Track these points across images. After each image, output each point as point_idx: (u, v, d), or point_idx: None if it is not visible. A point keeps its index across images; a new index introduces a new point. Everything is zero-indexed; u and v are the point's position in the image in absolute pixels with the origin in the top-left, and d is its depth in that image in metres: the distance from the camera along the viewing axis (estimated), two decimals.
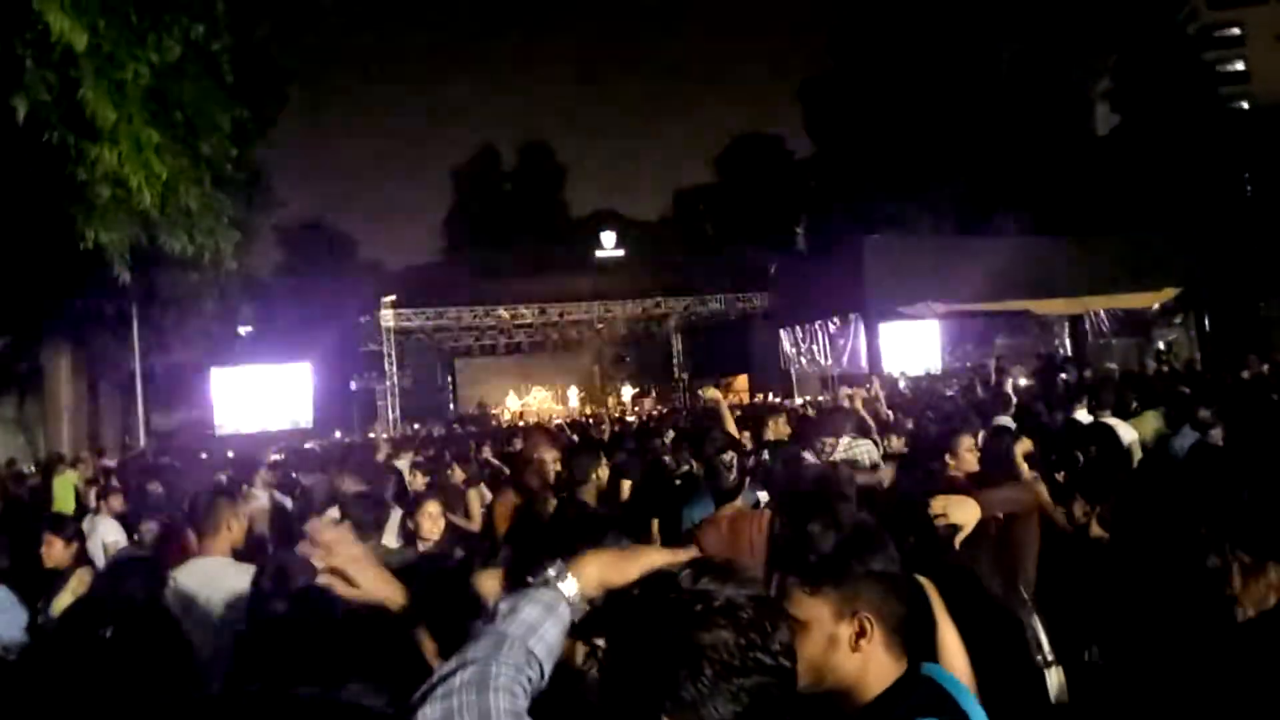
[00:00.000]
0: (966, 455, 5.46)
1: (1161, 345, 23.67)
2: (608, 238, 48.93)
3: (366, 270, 39.99)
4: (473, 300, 32.08)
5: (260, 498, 8.11)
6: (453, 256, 47.64)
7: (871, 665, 1.93)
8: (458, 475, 9.15)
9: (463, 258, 43.50)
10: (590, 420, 23.15)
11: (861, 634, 1.92)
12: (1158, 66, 30.98)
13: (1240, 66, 50.99)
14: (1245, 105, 43.10)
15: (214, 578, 4.44)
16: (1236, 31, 52.00)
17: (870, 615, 1.92)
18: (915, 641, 2.04)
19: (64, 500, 9.67)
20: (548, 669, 1.52)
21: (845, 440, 7.10)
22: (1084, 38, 31.53)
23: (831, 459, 6.57)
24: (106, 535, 7.99)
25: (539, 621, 1.52)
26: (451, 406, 34.14)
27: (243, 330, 27.47)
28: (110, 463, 14.56)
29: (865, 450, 7.02)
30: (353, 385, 33.55)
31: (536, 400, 33.86)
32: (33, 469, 15.65)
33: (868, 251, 21.90)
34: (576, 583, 1.60)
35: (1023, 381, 20.54)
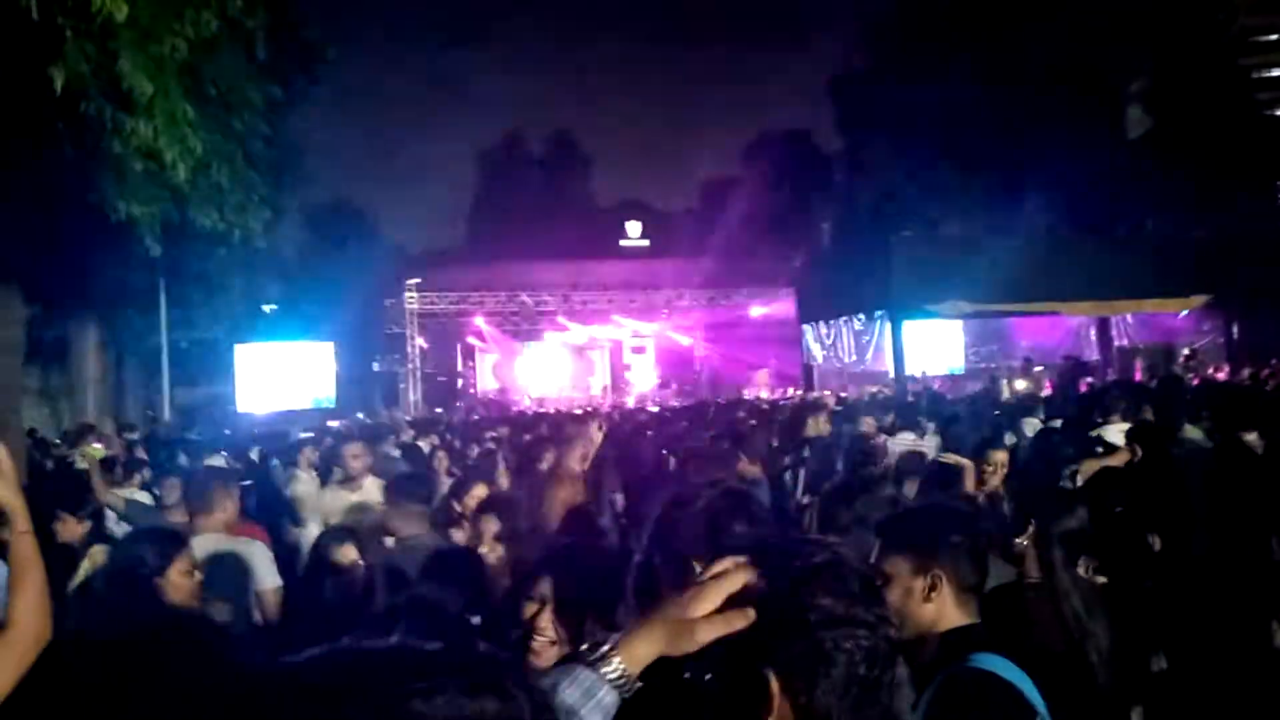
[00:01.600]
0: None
1: (1186, 351, 23.45)
2: (633, 227, 48.93)
3: (392, 253, 40.08)
4: (497, 286, 32.17)
5: (303, 479, 8.11)
6: (478, 241, 47.74)
7: (943, 617, 2.41)
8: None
9: (488, 243, 43.57)
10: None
11: (933, 588, 2.41)
12: (1193, 70, 30.66)
13: (1277, 73, 50.33)
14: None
15: (212, 552, 4.54)
16: (1275, 37, 51.29)
17: (941, 573, 2.42)
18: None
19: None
20: None
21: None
22: (1119, 39, 31.22)
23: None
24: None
25: (577, 706, 1.46)
26: (472, 391, 34.17)
27: (267, 308, 27.57)
28: (134, 436, 14.67)
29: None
30: (375, 366, 33.68)
31: (557, 387, 33.93)
32: (59, 441, 15.75)
33: (894, 248, 21.80)
34: (623, 664, 1.51)
35: (1020, 385, 20.45)
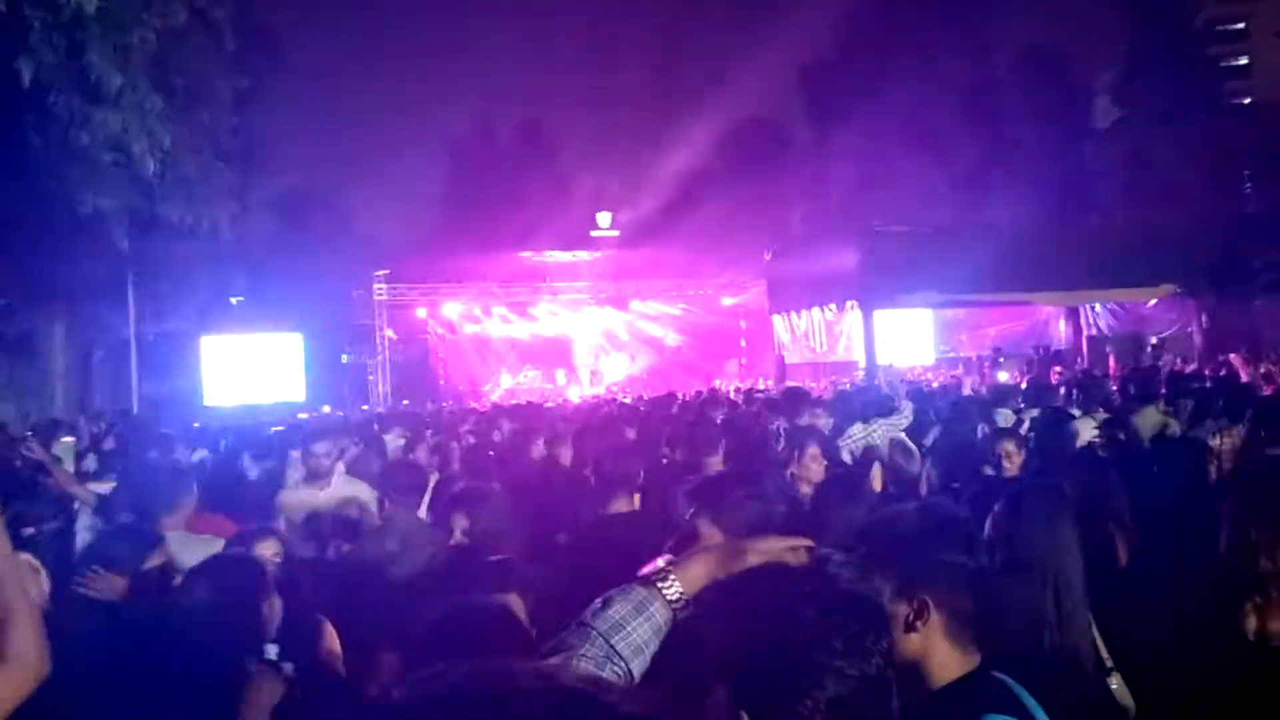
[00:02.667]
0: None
1: (1154, 340, 23.67)
2: (603, 217, 48.79)
3: (360, 243, 39.78)
4: (466, 277, 32.02)
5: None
6: (447, 232, 47.46)
7: (934, 652, 1.99)
8: None
9: (457, 234, 43.34)
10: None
11: (919, 615, 1.98)
12: (1160, 60, 30.94)
13: (1244, 61, 50.80)
14: (1247, 101, 43.11)
15: (181, 548, 4.49)
16: (1241, 26, 51.76)
17: (929, 599, 1.99)
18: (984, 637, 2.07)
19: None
20: (635, 667, 1.50)
21: (856, 427, 7.10)
22: (1088, 29, 31.49)
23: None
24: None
25: (626, 619, 1.51)
26: (442, 383, 33.98)
27: (234, 300, 27.30)
28: (100, 428, 14.48)
29: (882, 431, 7.01)
30: (344, 359, 33.42)
31: (527, 379, 33.80)
32: (29, 434, 15.52)
33: (865, 239, 21.88)
34: (679, 583, 1.59)
35: (1002, 376, 20.55)
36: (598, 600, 1.55)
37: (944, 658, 1.99)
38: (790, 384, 19.11)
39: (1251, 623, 2.28)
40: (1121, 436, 6.28)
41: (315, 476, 6.52)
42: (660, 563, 1.63)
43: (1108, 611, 2.81)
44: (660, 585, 1.58)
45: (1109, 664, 2.75)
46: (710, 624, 1.59)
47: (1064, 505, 2.82)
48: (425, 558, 4.44)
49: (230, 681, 2.76)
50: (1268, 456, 5.18)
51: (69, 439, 10.51)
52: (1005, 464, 5.47)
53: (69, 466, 8.84)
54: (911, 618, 1.98)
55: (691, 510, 2.79)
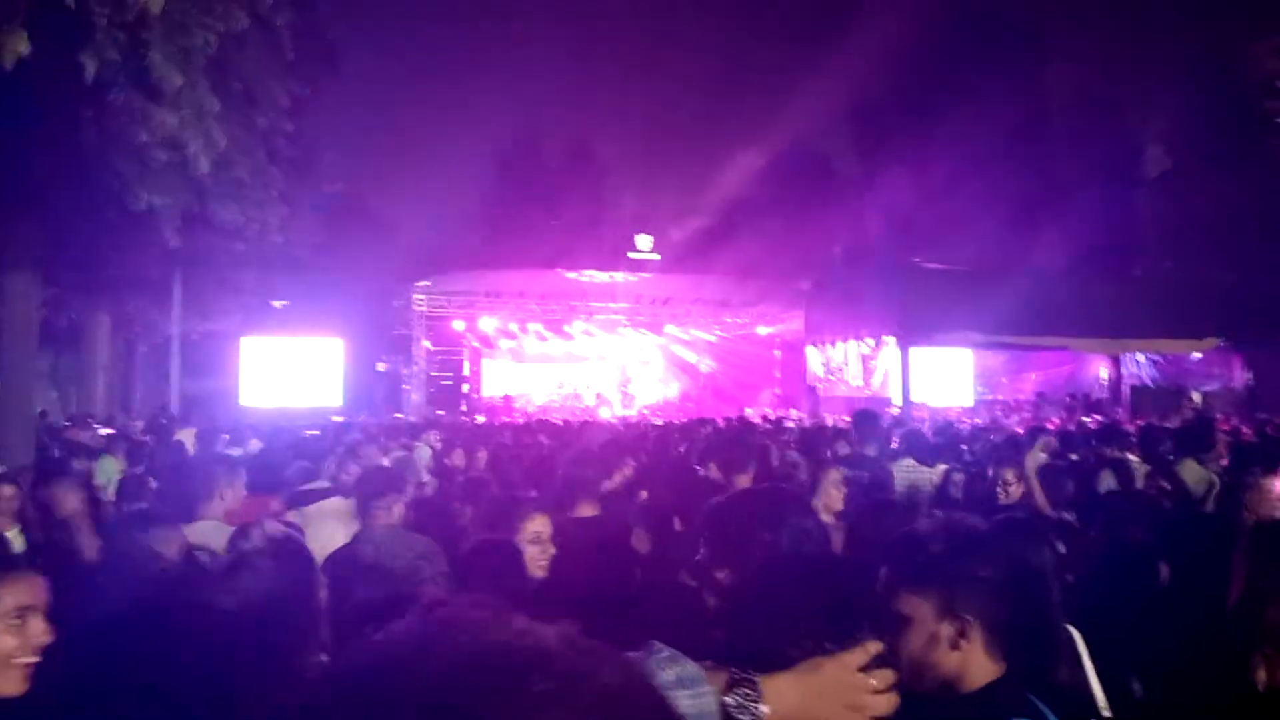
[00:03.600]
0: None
1: (1195, 396, 23.40)
2: (643, 240, 48.89)
3: (403, 253, 40.07)
4: (505, 292, 32.15)
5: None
6: (488, 246, 47.74)
7: (971, 664, 2.03)
8: None
9: (498, 249, 43.58)
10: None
11: (962, 635, 2.03)
12: (1213, 114, 30.70)
13: None
14: None
15: (207, 538, 4.52)
16: None
17: (971, 616, 2.03)
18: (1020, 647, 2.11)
19: (106, 474, 9.52)
20: None
21: (909, 461, 7.07)
22: (1141, 78, 31.34)
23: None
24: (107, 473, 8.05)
25: (668, 688, 1.37)
26: (476, 396, 34.12)
27: (278, 304, 27.55)
28: (138, 425, 14.66)
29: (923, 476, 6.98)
30: (380, 367, 33.62)
31: (559, 397, 33.88)
32: (67, 424, 15.76)
33: (907, 274, 21.80)
34: (754, 695, 1.46)
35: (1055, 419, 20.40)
36: (663, 652, 1.44)
37: (978, 668, 2.04)
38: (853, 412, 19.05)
39: (1261, 675, 2.25)
40: (1168, 487, 6.22)
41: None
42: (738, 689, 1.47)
43: (1123, 655, 2.80)
44: (736, 687, 1.45)
45: (1106, 713, 2.75)
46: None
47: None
48: (404, 565, 4.44)
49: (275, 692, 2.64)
50: None
51: (110, 459, 10.38)
52: (1001, 494, 5.49)
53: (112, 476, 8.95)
54: (956, 636, 2.03)
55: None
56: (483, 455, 9.48)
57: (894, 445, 8.02)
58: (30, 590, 2.51)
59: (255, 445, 11.34)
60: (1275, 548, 2.46)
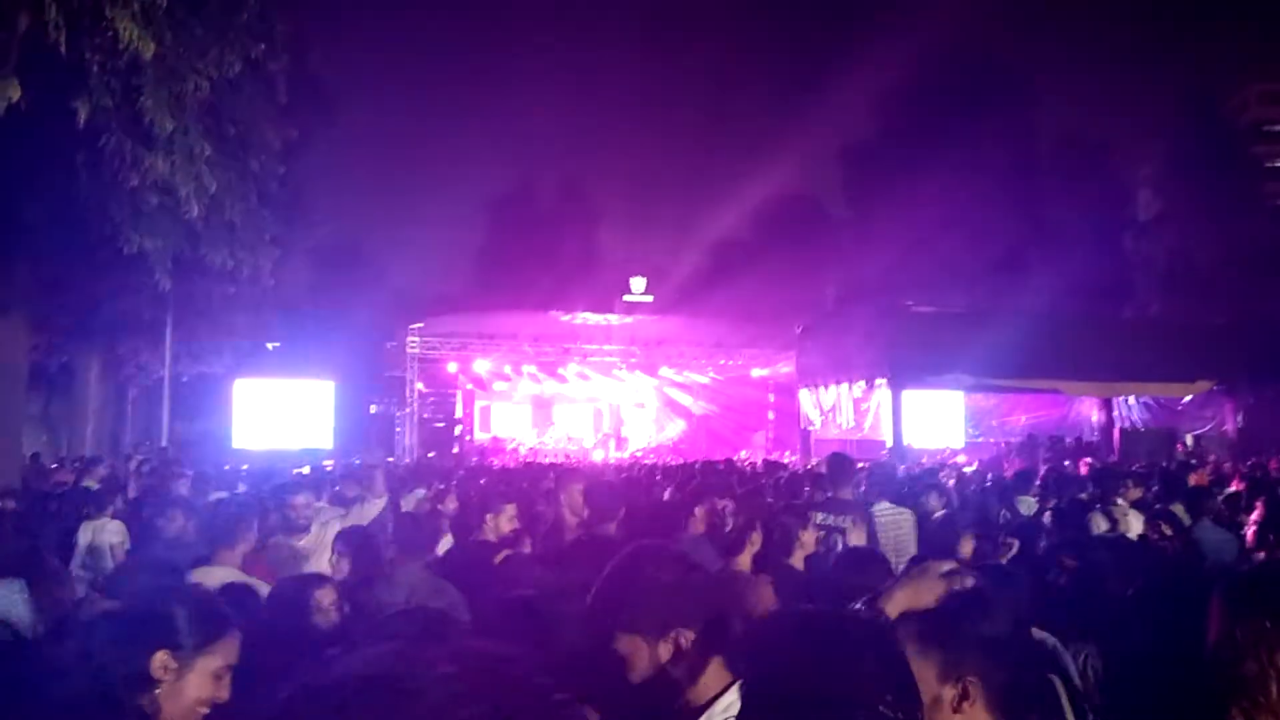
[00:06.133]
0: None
1: (1188, 439, 23.38)
2: (637, 283, 49.02)
3: (395, 296, 40.19)
4: (498, 334, 32.17)
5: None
6: (481, 288, 47.86)
7: None
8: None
9: (491, 291, 43.70)
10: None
11: (964, 697, 1.99)
12: (1204, 157, 30.96)
13: None
14: None
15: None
16: None
17: (974, 679, 2.00)
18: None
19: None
20: None
21: (885, 504, 7.05)
22: (1131, 121, 31.65)
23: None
24: (109, 538, 7.99)
25: None
26: (469, 439, 34.05)
27: (270, 346, 27.56)
28: (132, 464, 14.57)
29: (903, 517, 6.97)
30: (372, 409, 33.58)
31: (552, 440, 33.82)
32: (55, 466, 15.69)
33: (898, 317, 21.83)
34: None
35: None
36: None
37: None
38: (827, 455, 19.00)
39: None
40: (1168, 531, 6.22)
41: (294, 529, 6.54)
42: None
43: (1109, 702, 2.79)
44: None
45: None
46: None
47: None
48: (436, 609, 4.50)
49: None
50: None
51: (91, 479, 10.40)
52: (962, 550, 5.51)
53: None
54: (958, 700, 1.99)
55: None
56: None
57: (862, 488, 7.97)
58: (235, 650, 2.62)
59: (242, 490, 11.27)
60: (1252, 599, 2.44)
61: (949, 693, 2.00)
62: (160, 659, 2.47)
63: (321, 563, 5.87)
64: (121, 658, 2.46)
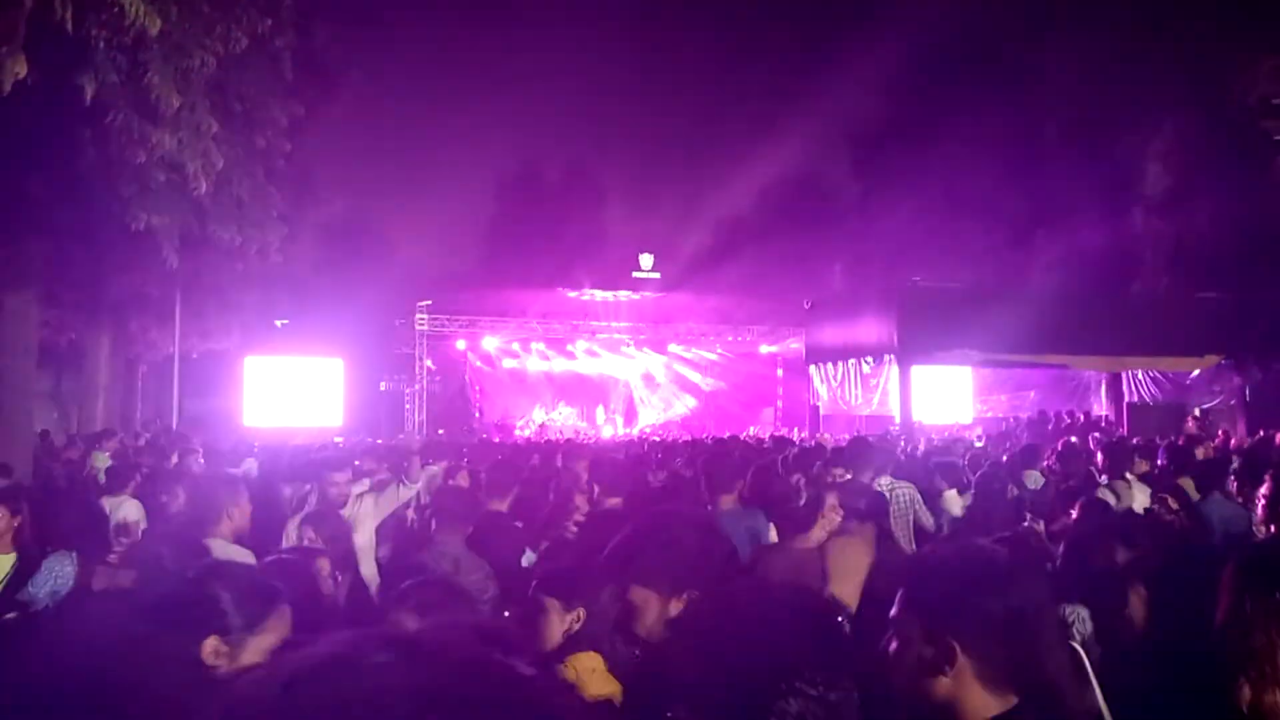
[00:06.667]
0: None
1: (1196, 412, 23.33)
2: (645, 259, 48.95)
3: (404, 273, 40.16)
4: (508, 312, 32.20)
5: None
6: (490, 266, 47.82)
7: (966, 695, 1.96)
8: None
9: (500, 268, 43.65)
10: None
11: (945, 659, 1.95)
12: (1212, 133, 30.72)
13: None
14: None
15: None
16: None
17: (956, 643, 1.95)
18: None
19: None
20: None
21: (887, 479, 7.08)
22: (1139, 98, 31.39)
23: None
24: (128, 515, 8.04)
25: None
26: (477, 415, 34.13)
27: (279, 323, 27.63)
28: (139, 442, 14.67)
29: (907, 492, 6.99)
30: (382, 386, 33.67)
31: (561, 416, 33.89)
32: (64, 445, 15.78)
33: (906, 294, 21.80)
34: None
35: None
36: None
37: (977, 701, 1.97)
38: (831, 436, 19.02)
39: (1246, 694, 2.24)
40: (1174, 505, 6.22)
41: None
42: None
43: (1115, 677, 2.78)
44: None
45: None
46: (675, 645, 1.67)
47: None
48: (476, 581, 4.64)
49: None
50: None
51: (101, 454, 10.51)
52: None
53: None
54: (940, 661, 1.96)
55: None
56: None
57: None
58: (288, 623, 2.58)
59: (251, 465, 11.36)
60: (1262, 573, 2.44)
61: (928, 653, 1.98)
62: (211, 645, 2.40)
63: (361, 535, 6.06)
64: (172, 647, 2.37)
